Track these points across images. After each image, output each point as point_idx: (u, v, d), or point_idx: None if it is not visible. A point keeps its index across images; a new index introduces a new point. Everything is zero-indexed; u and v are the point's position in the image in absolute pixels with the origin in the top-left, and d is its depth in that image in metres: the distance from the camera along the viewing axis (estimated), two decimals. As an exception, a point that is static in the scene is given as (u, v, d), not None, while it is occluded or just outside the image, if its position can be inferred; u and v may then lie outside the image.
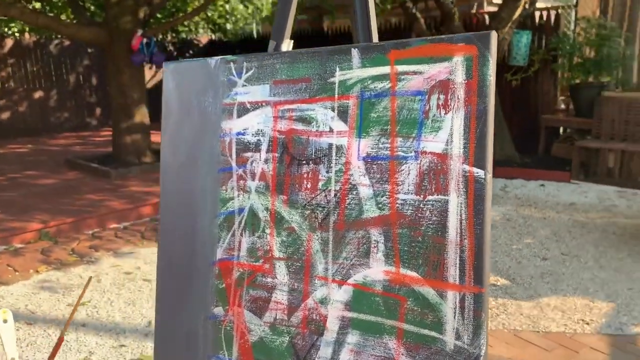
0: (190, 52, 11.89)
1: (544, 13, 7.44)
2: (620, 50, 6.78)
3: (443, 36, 1.04)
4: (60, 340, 1.74)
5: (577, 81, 7.01)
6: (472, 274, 0.99)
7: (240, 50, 11.92)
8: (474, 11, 9.56)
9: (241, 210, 1.26)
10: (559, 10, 7.40)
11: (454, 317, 1.01)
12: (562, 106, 7.54)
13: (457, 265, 1.01)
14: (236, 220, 1.26)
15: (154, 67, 10.77)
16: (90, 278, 1.75)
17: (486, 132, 0.99)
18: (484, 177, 0.99)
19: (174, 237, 1.36)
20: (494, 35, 0.99)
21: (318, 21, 11.81)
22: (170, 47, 11.42)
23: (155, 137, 9.08)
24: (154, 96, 10.37)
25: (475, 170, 0.99)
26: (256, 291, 1.24)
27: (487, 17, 7.86)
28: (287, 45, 1.29)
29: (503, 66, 7.24)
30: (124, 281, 4.00)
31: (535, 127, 7.31)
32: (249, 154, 1.25)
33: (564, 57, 7.10)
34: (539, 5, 7.62)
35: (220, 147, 1.29)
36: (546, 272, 3.90)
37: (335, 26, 10.60)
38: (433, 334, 1.03)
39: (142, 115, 7.14)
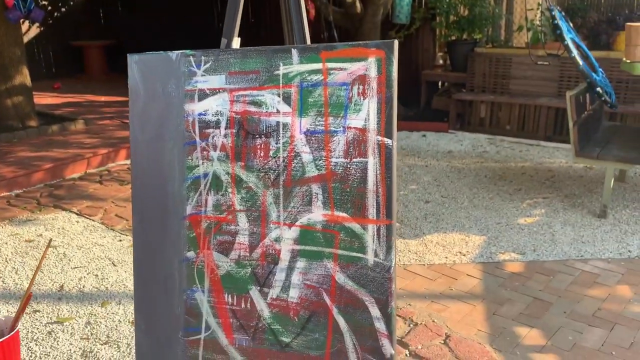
0: (66, 6, 11.32)
1: (423, -28, 8.11)
2: (490, 9, 7.64)
3: (361, 42, 1.48)
4: (28, 296, 2.03)
5: (453, 38, 7.81)
6: (384, 211, 1.48)
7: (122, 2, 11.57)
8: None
9: (206, 175, 1.64)
10: (437, -29, 8.10)
11: (373, 242, 1.49)
12: (441, 62, 8.36)
13: (375, 206, 1.49)
14: (202, 183, 1.65)
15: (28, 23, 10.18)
16: (50, 240, 2.03)
17: (392, 112, 1.46)
18: (391, 144, 1.46)
19: (147, 201, 1.71)
20: (396, 43, 1.45)
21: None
22: (44, 1, 10.80)
23: (39, 99, 8.73)
24: (30, 54, 9.85)
25: (385, 139, 1.47)
26: (222, 236, 1.65)
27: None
28: (236, 42, 1.67)
29: (387, 24, 7.86)
30: (26, 249, 3.98)
31: (417, 82, 8.08)
32: (210, 130, 1.63)
33: (441, 15, 7.86)
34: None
35: (185, 125, 1.65)
36: (429, 213, 4.60)
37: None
38: (359, 255, 1.51)
39: (22, 76, 6.91)
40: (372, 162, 1.48)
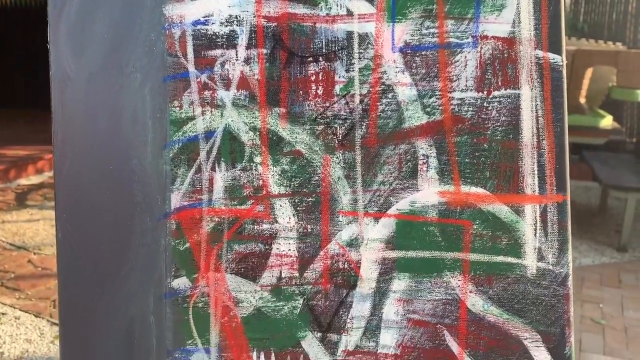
0: None
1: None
2: None
3: None
4: None
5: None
6: (553, 180, 0.89)
7: None
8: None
9: (210, 134, 0.93)
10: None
11: (535, 234, 0.90)
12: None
13: (535, 173, 0.89)
14: (202, 148, 0.93)
15: None
16: None
17: (559, 9, 0.89)
18: (560, 64, 0.89)
19: (83, 192, 0.96)
20: None
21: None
22: None
23: None
24: None
25: (550, 56, 0.89)
26: (244, 245, 0.94)
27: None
28: None
29: None
30: None
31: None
32: (216, 52, 0.93)
33: None
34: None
35: (166, 44, 0.93)
36: None
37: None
38: (509, 259, 0.90)
39: None
40: (529, 96, 0.89)
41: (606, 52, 4.41)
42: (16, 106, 7.73)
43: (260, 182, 0.93)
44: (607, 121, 4.28)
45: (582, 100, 4.22)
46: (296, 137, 0.93)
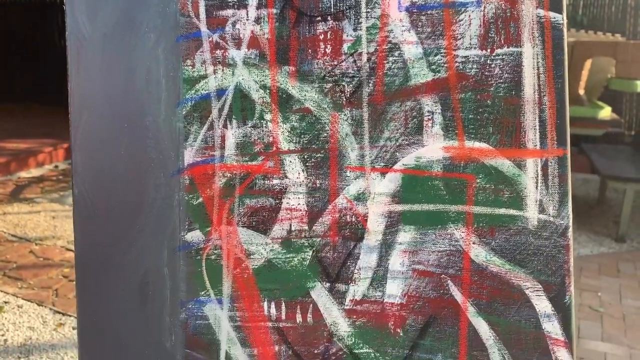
0: None
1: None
2: None
3: None
4: None
5: None
6: (554, 135, 0.93)
7: None
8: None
9: (222, 92, 0.97)
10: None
11: (536, 187, 0.93)
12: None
13: (537, 128, 0.93)
14: (214, 106, 0.97)
15: None
16: None
17: (560, -30, 0.92)
18: (561, 22, 0.92)
19: (97, 149, 0.99)
20: None
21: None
22: None
23: None
24: None
25: (551, 15, 0.92)
26: (256, 199, 0.97)
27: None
28: None
29: None
30: None
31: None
32: (228, 12, 0.96)
33: None
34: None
35: (179, 4, 0.96)
36: None
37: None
38: (511, 211, 0.94)
39: None
40: (531, 53, 0.92)
41: (605, 43, 4.46)
42: (15, 100, 7.75)
43: (271, 138, 0.97)
44: (605, 112, 4.32)
45: (581, 91, 4.26)
46: (305, 95, 0.96)
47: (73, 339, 2.61)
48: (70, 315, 2.78)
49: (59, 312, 2.83)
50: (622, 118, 5.12)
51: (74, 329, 2.66)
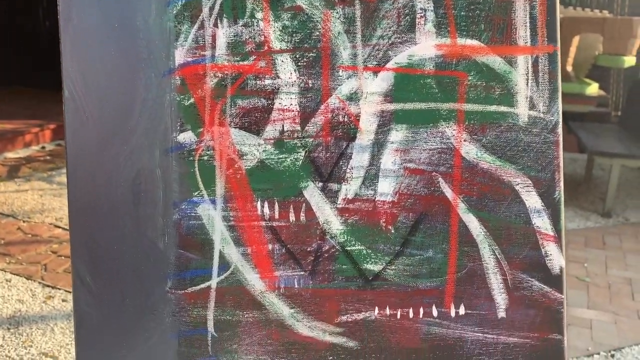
0: None
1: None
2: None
3: None
4: None
5: None
6: (544, 32, 0.94)
7: None
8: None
9: (213, -9, 0.97)
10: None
11: (527, 84, 0.94)
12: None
13: (528, 25, 0.94)
14: (205, 5, 0.97)
15: None
16: None
17: None
18: None
19: (91, 52, 0.98)
20: None
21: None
22: None
23: None
24: None
25: None
26: (248, 100, 0.97)
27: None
28: None
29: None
30: None
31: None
32: None
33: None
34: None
35: None
36: None
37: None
38: (502, 108, 0.95)
39: None
40: (522, -50, 0.93)
41: (593, 19, 4.50)
42: (3, 84, 7.68)
43: (262, 38, 0.97)
44: (593, 89, 4.36)
45: (569, 68, 4.29)
46: (297, -7, 0.96)
47: (63, 311, 2.59)
48: (59, 289, 2.76)
49: (48, 286, 2.81)
50: (608, 94, 5.17)
51: (64, 301, 2.65)
